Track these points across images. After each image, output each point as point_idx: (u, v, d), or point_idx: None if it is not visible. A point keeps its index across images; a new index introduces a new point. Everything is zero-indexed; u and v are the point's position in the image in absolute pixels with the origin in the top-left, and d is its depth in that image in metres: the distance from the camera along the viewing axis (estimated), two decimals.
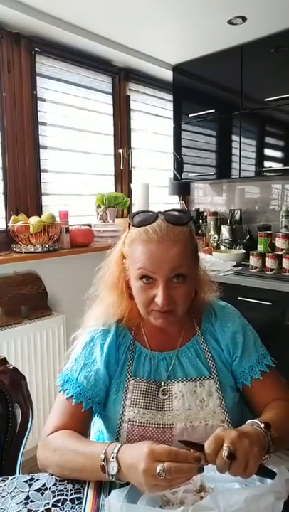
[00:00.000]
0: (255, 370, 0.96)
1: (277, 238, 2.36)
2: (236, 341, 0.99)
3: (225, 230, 2.79)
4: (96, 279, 1.03)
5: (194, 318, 1.03)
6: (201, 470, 0.67)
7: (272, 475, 0.70)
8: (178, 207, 3.20)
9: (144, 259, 0.89)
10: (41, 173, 2.35)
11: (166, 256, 0.88)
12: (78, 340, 1.02)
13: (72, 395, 0.91)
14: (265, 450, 0.72)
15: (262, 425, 0.75)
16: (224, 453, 0.66)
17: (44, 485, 0.78)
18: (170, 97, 2.88)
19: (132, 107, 2.87)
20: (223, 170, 2.69)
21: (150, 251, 0.89)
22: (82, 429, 0.90)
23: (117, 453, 0.73)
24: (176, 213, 0.94)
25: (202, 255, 1.03)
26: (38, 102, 2.30)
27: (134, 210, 2.95)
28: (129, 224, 0.96)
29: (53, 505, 0.73)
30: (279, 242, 2.34)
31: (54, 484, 0.79)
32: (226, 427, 0.89)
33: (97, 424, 1.07)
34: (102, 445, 0.78)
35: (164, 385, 0.95)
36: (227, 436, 0.68)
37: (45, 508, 0.73)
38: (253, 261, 2.34)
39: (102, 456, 0.74)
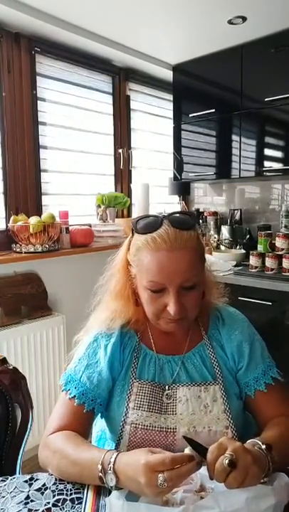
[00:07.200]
0: (260, 381, 0.94)
1: (277, 238, 2.36)
2: (242, 351, 0.96)
3: (225, 230, 2.80)
4: (98, 286, 1.00)
5: (201, 323, 1.01)
6: (199, 465, 0.67)
7: None
8: (178, 207, 3.21)
9: (153, 270, 0.85)
10: (41, 173, 2.35)
11: (177, 266, 0.84)
12: (82, 340, 1.00)
13: (74, 395, 0.90)
14: (264, 473, 0.70)
15: (263, 447, 0.73)
16: (225, 460, 0.65)
17: (44, 484, 0.78)
18: (170, 97, 2.88)
19: (132, 106, 2.87)
20: (223, 170, 2.69)
21: (160, 261, 0.85)
22: (83, 429, 0.89)
23: (113, 464, 0.72)
24: (181, 216, 0.90)
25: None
26: (38, 101, 2.30)
27: (134, 210, 2.95)
28: (133, 230, 0.92)
29: (53, 505, 0.73)
30: (279, 242, 2.35)
31: (54, 484, 0.79)
32: (230, 434, 0.88)
33: (98, 424, 1.06)
34: (99, 454, 0.76)
35: (169, 389, 0.93)
36: (231, 445, 0.68)
37: (46, 507, 0.73)
38: (253, 261, 2.34)
39: (100, 467, 0.73)
